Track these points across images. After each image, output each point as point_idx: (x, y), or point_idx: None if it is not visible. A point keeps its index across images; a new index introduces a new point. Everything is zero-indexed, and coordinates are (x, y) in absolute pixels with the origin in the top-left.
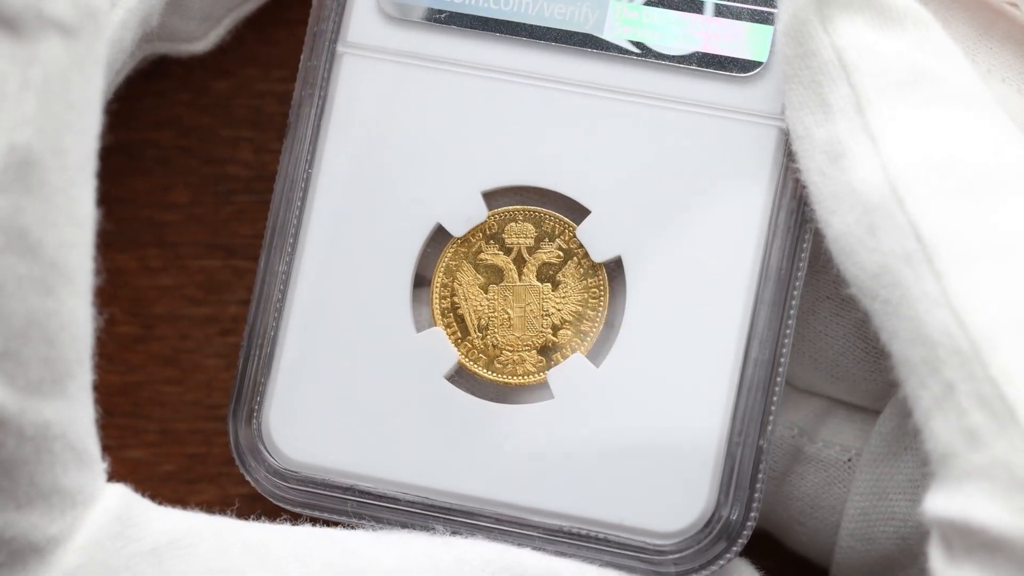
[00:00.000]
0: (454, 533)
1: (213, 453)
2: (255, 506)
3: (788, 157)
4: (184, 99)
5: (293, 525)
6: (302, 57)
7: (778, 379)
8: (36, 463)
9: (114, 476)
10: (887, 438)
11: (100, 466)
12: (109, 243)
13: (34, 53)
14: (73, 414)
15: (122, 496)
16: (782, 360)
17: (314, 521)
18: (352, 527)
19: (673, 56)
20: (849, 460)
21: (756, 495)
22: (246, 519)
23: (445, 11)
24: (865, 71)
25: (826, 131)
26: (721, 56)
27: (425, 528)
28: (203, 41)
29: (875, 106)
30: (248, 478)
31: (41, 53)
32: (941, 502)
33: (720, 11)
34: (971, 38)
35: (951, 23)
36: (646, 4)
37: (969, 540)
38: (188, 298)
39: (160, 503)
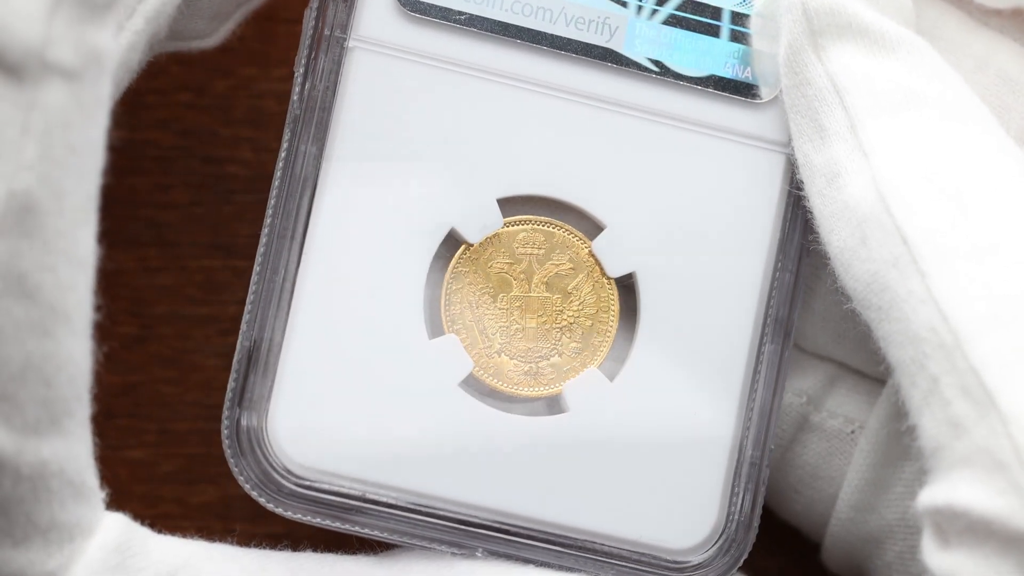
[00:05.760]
0: (464, 546)
1: (213, 453)
2: (255, 508)
3: (792, 185)
4: (184, 99)
5: (293, 551)
6: (306, 46)
7: (778, 401)
8: (33, 501)
9: (114, 476)
10: (891, 408)
11: (99, 497)
12: (109, 243)
13: (35, 98)
14: (70, 450)
15: (121, 526)
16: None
17: (315, 545)
18: (356, 535)
19: (690, 77)
20: (852, 432)
21: (757, 512)
22: (247, 519)
23: (465, 13)
24: (857, 93)
25: (823, 155)
26: (736, 81)
27: (431, 539)
28: (212, 38)
29: (867, 125)
30: (245, 484)
31: (43, 98)
32: (929, 494)
33: (735, 37)
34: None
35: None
36: (664, 23)
37: (955, 524)
38: (188, 298)
39: (161, 503)
